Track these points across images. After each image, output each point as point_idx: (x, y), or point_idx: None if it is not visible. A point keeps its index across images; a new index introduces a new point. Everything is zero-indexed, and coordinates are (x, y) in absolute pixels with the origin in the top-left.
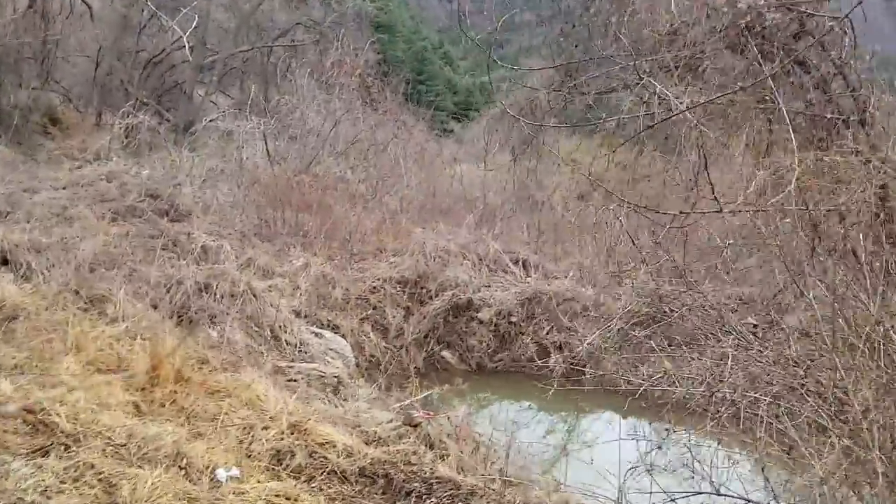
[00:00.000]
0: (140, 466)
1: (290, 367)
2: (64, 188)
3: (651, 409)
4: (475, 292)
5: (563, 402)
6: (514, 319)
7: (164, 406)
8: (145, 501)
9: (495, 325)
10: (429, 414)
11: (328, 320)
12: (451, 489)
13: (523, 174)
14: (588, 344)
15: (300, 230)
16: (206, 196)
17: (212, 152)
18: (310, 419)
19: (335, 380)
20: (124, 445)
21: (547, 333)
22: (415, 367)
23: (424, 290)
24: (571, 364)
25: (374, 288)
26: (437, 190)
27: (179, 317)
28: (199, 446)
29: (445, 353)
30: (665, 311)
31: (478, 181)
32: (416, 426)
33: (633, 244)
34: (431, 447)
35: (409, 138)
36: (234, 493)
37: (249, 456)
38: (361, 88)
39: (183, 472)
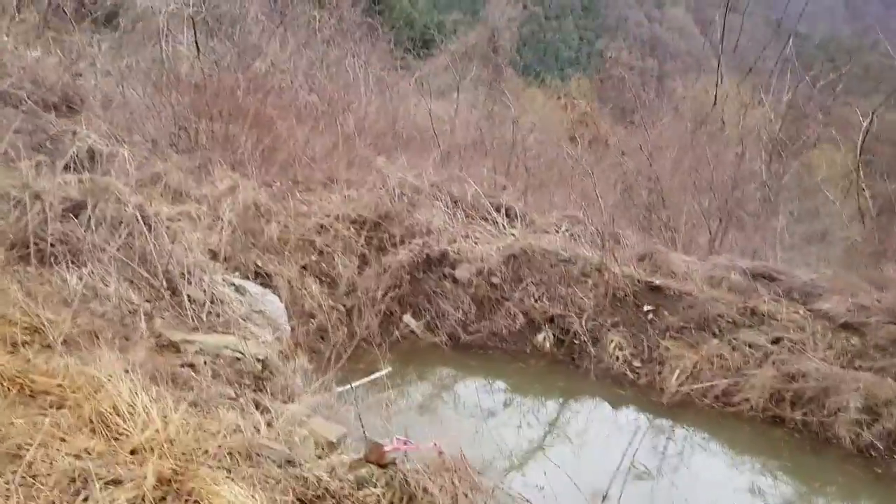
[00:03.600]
0: None
1: (189, 341)
2: None
3: (656, 404)
4: (450, 243)
5: (549, 386)
6: (495, 281)
7: None
8: None
9: (474, 288)
10: (405, 442)
11: (257, 267)
12: None
13: (494, 111)
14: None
15: (230, 145)
16: (112, 91)
17: (128, 40)
18: (203, 456)
19: (259, 365)
20: None
21: (536, 301)
22: (366, 335)
23: (387, 236)
24: (563, 340)
25: (322, 227)
26: (397, 118)
27: (25, 248)
28: None
29: (409, 320)
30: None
31: (442, 116)
32: (384, 466)
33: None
34: (410, 502)
35: (369, 55)
36: None
37: None
38: None
39: None
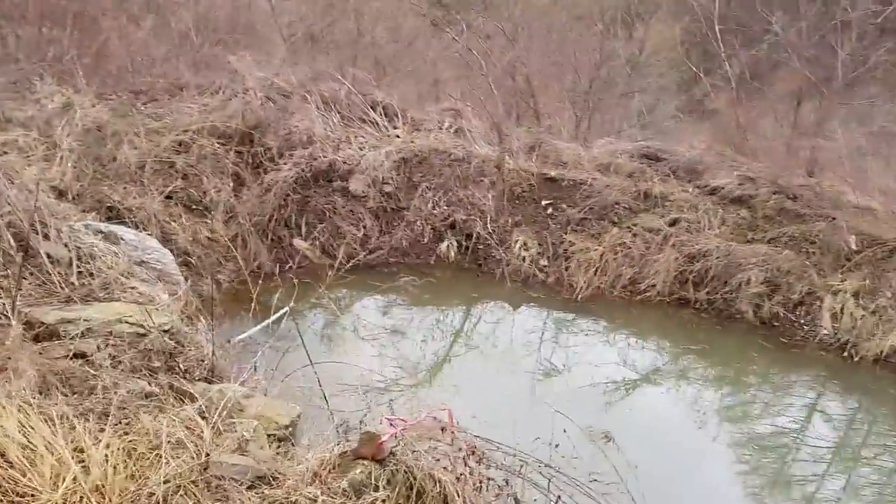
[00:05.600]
0: None
1: (69, 320)
2: None
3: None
4: (335, 151)
5: (458, 296)
6: (389, 189)
7: None
8: None
9: (370, 200)
10: (395, 423)
11: (115, 202)
12: None
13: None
14: None
15: (50, 53)
16: None
17: None
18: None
19: (164, 336)
20: None
21: (434, 208)
22: (255, 268)
23: (262, 150)
24: (468, 246)
25: (181, 144)
26: (234, 7)
27: None
28: None
29: (300, 244)
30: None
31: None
32: (382, 460)
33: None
34: (419, 498)
35: None
36: None
37: None
38: None
39: None
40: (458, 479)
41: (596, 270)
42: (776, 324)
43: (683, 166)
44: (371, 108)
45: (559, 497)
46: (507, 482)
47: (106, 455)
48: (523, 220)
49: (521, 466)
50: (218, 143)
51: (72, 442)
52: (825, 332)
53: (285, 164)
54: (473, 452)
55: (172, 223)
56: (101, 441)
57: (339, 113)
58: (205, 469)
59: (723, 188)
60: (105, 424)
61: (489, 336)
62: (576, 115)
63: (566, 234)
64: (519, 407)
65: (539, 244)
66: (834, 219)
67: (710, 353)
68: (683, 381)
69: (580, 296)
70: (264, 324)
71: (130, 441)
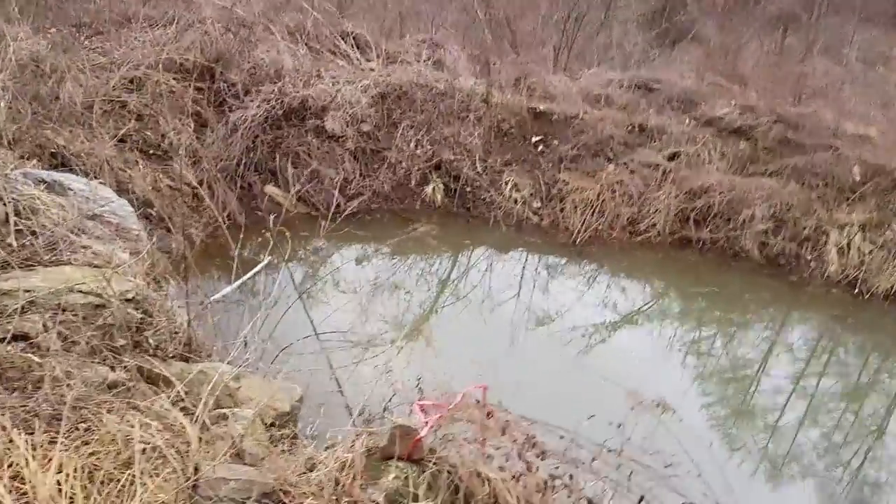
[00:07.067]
0: None
1: (7, 291)
2: None
3: (564, 245)
4: (306, 87)
5: (446, 244)
6: (367, 128)
7: None
8: None
9: (349, 140)
10: (426, 409)
11: (60, 148)
12: None
13: None
14: None
15: None
16: None
17: None
18: None
19: (127, 306)
20: None
21: (417, 147)
22: (227, 218)
23: (225, 86)
24: (455, 189)
25: (133, 81)
26: None
27: None
28: None
29: (272, 190)
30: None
31: None
32: (418, 461)
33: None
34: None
35: None
36: None
37: None
38: None
39: None
40: (514, 478)
41: (593, 211)
42: (782, 262)
43: (678, 96)
44: (341, 38)
45: (643, 497)
46: (571, 477)
47: (58, 482)
48: (513, 158)
49: (593, 459)
50: (175, 79)
51: (10, 467)
52: (833, 268)
53: (252, 101)
54: (534, 445)
55: (128, 170)
56: (50, 460)
57: (306, 45)
58: (194, 489)
59: (722, 119)
60: (56, 433)
61: (486, 287)
62: (554, 46)
63: (559, 172)
64: (560, 379)
65: (531, 184)
66: (837, 149)
67: (718, 295)
68: (703, 328)
69: (578, 239)
70: (242, 280)
71: (91, 455)
